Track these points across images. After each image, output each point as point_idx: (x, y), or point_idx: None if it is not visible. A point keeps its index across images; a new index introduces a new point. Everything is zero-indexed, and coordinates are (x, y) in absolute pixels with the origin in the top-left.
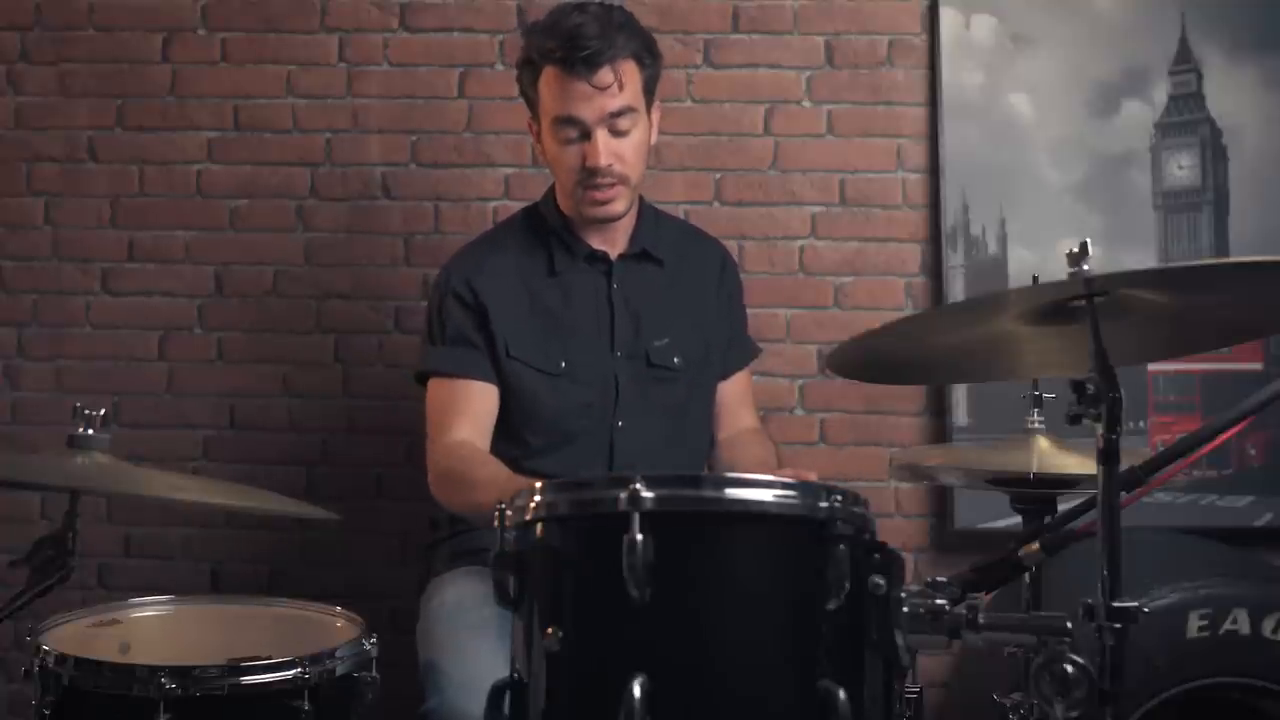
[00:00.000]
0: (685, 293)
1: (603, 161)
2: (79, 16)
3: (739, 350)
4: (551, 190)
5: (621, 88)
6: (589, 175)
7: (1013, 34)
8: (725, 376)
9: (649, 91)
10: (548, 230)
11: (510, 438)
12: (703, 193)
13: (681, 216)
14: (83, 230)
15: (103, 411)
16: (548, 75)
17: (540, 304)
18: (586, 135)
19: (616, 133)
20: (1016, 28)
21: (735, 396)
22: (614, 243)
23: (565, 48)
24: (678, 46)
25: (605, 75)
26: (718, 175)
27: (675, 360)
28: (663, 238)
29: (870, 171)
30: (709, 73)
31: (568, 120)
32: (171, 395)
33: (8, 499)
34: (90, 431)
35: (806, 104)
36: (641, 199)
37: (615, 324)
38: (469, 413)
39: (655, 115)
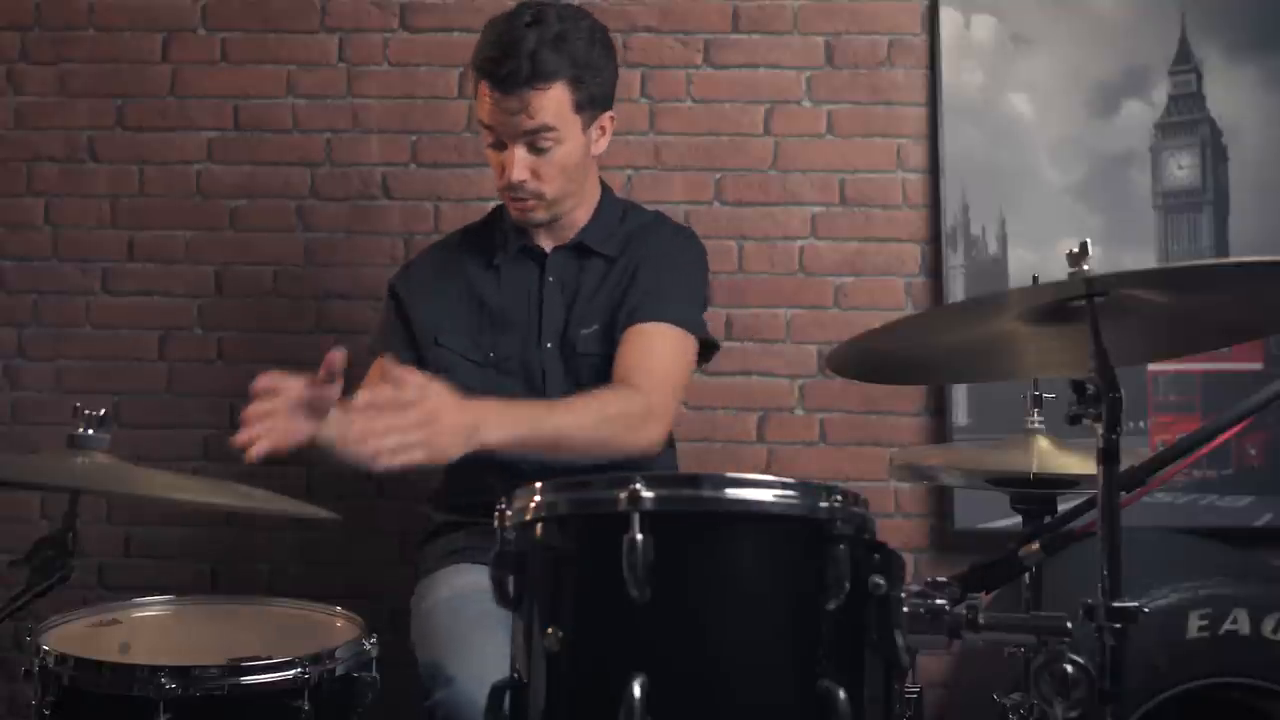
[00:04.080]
0: (626, 282)
1: (515, 176)
2: (79, 16)
3: (651, 302)
4: None
5: (533, 115)
6: (508, 185)
7: (1013, 34)
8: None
9: (587, 107)
10: (498, 226)
11: None
12: (703, 193)
13: (681, 217)
14: (83, 230)
15: (103, 411)
16: (480, 83)
17: (475, 295)
18: (504, 145)
19: (535, 149)
20: (1016, 28)
21: (627, 354)
22: (563, 239)
23: (491, 62)
24: (678, 46)
25: (514, 102)
26: (718, 175)
27: (603, 348)
28: (621, 233)
29: (870, 171)
30: (709, 73)
31: (488, 127)
32: (171, 395)
33: (8, 499)
34: (90, 431)
35: (806, 104)
36: (609, 195)
37: (544, 316)
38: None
39: (606, 123)
